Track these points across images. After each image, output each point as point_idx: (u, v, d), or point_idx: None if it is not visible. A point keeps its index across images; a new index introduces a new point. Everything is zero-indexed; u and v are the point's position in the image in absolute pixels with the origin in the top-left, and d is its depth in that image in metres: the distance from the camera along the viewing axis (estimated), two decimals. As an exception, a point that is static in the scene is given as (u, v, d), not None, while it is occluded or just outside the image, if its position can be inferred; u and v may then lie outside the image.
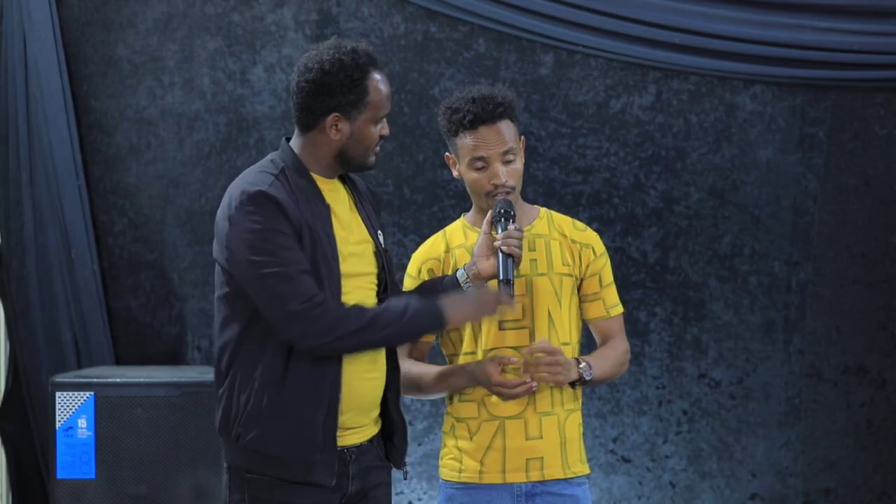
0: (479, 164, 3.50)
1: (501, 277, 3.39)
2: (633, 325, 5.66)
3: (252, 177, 3.29)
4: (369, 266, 3.38)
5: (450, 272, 3.54)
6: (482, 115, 3.48)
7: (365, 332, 3.23)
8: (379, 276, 3.41)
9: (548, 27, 5.56)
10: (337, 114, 3.30)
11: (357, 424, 3.34)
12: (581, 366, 3.52)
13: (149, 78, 5.63)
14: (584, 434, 3.65)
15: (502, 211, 3.47)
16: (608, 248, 3.71)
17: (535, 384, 3.47)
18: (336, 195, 3.38)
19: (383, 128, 3.37)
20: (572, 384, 3.54)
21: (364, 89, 3.30)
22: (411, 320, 3.27)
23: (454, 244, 3.60)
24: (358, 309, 3.25)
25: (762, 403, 5.71)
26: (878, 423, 5.74)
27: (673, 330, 5.70)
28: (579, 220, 3.69)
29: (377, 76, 3.32)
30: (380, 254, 3.42)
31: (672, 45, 5.57)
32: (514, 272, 3.42)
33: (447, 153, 3.58)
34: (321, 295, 3.23)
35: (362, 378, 3.33)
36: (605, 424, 5.68)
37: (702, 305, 5.70)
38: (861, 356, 5.73)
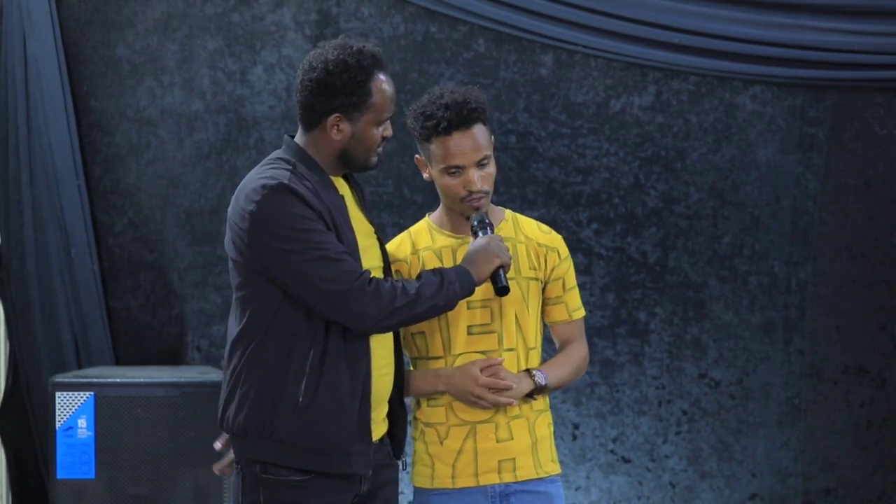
0: (454, 170, 3.48)
1: (499, 286, 3.42)
2: (634, 325, 5.66)
3: (268, 172, 3.28)
4: (377, 260, 3.42)
5: (416, 275, 3.53)
6: (456, 121, 3.45)
7: (415, 304, 3.27)
8: (384, 270, 3.45)
9: (548, 27, 5.56)
10: (339, 114, 3.31)
11: (374, 420, 3.35)
12: (535, 376, 3.51)
13: (149, 78, 5.63)
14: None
15: (479, 222, 3.48)
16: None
17: (515, 402, 3.48)
18: (343, 191, 3.40)
19: (386, 129, 3.37)
20: (531, 394, 3.52)
21: (367, 91, 3.30)
22: (449, 287, 3.32)
23: (421, 246, 3.59)
24: (403, 282, 3.29)
25: (762, 403, 5.71)
26: (878, 423, 5.74)
27: (673, 330, 5.70)
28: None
29: (381, 78, 3.33)
30: (383, 248, 3.45)
31: (672, 45, 5.57)
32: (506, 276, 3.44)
33: (417, 155, 3.57)
34: (368, 272, 3.26)
35: (379, 373, 3.35)
36: (604, 424, 5.68)
37: (702, 305, 5.70)
38: (861, 356, 5.73)
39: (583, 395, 5.62)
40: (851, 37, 5.57)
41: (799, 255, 5.69)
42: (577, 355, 3.63)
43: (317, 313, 3.25)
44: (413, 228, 3.64)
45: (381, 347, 3.36)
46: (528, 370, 3.52)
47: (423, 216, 3.54)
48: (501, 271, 3.41)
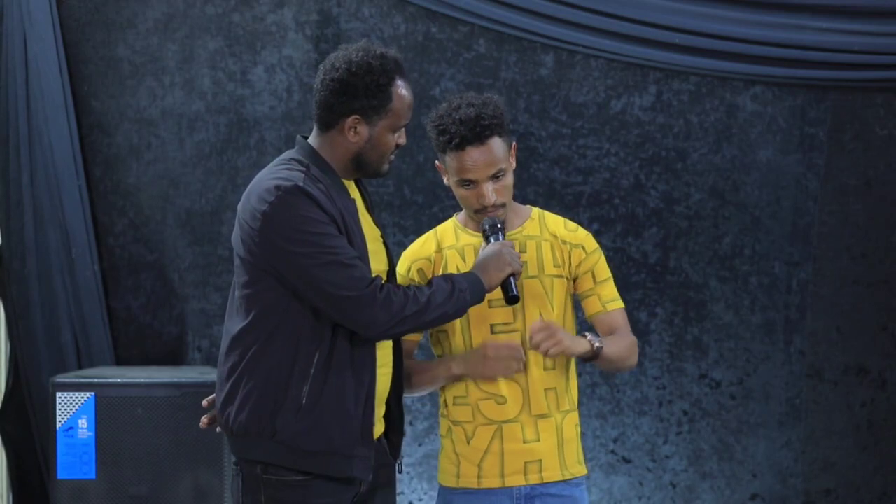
0: (468, 183, 3.49)
1: (510, 294, 3.42)
2: (634, 326, 5.60)
3: (282, 173, 3.27)
4: (383, 264, 3.42)
5: (440, 272, 3.54)
6: (469, 137, 3.44)
7: (424, 312, 3.27)
8: (389, 275, 3.44)
9: (548, 27, 5.57)
10: (357, 116, 3.30)
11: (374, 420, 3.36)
12: (590, 337, 3.48)
13: (149, 78, 5.64)
14: (584, 435, 3.65)
15: (490, 226, 3.48)
16: (608, 249, 3.71)
17: (523, 360, 3.46)
18: (354, 195, 3.40)
19: (400, 136, 3.37)
20: (587, 359, 3.50)
21: (388, 96, 3.30)
22: (460, 296, 3.32)
23: (445, 245, 3.60)
24: (414, 289, 3.29)
25: (762, 404, 5.71)
26: (878, 424, 5.74)
27: (673, 330, 5.70)
28: (580, 220, 3.69)
29: (402, 84, 3.33)
30: (389, 252, 3.45)
31: (672, 46, 5.57)
32: (517, 284, 3.44)
33: (437, 162, 3.57)
34: (379, 278, 3.26)
35: (379, 372, 3.35)
36: (605, 425, 5.68)
37: (702, 306, 5.70)
38: (861, 356, 5.73)
39: (583, 395, 5.62)
40: (851, 37, 5.57)
41: (799, 256, 5.69)
42: (626, 338, 3.59)
43: (325, 316, 3.25)
44: (440, 227, 3.66)
45: (381, 347, 3.36)
46: (585, 333, 3.49)
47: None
48: (512, 279, 3.41)
